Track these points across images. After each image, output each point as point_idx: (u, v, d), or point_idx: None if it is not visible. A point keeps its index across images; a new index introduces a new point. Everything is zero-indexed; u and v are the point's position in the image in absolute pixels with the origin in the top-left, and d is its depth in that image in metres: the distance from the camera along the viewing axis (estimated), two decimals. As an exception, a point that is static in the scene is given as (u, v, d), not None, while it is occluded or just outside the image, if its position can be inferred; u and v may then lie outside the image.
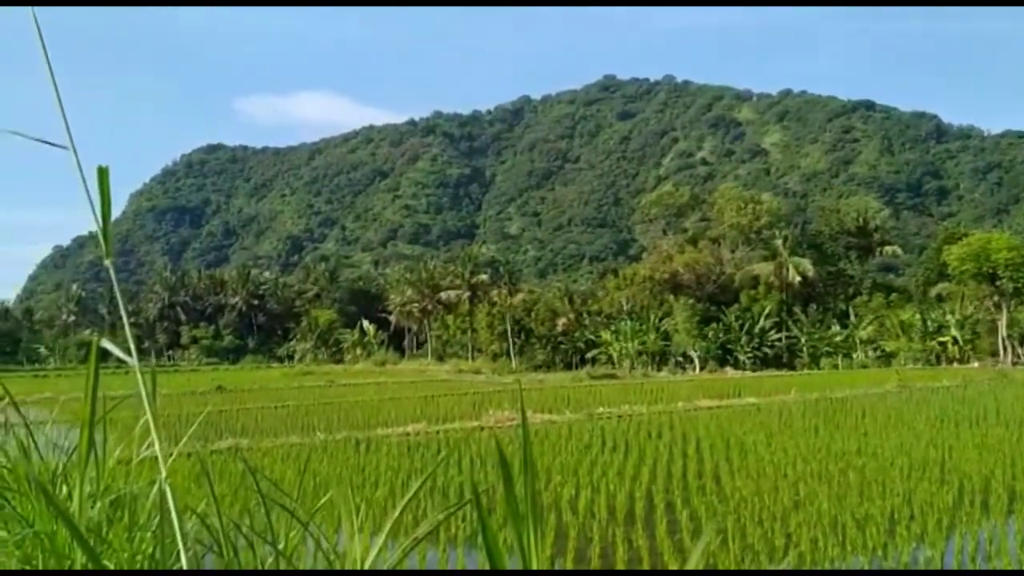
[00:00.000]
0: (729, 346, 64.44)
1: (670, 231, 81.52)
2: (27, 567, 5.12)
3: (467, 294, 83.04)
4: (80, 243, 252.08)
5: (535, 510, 1.80)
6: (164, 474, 1.93)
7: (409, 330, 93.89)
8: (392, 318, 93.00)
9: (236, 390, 44.07)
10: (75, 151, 1.90)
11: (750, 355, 63.74)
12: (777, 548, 10.43)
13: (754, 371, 59.43)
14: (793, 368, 62.05)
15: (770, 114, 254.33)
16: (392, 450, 19.14)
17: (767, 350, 64.80)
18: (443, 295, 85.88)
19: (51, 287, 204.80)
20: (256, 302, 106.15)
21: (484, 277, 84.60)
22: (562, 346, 71.29)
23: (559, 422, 24.21)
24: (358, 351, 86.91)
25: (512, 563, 1.82)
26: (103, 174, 1.84)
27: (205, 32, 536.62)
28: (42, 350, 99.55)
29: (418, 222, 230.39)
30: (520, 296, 79.05)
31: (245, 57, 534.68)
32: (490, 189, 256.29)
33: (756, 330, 64.84)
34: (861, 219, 76.97)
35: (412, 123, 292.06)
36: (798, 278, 67.81)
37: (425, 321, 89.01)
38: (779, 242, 70.36)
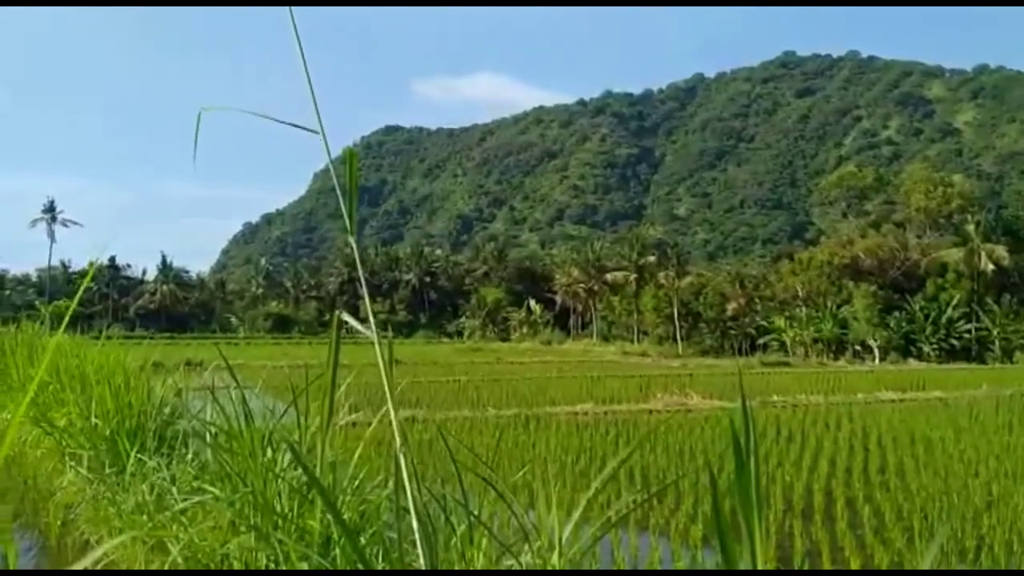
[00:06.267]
0: (913, 336, 61.18)
1: (851, 214, 78.17)
2: (237, 521, 5.51)
3: (634, 276, 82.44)
4: (268, 219, 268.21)
5: (760, 500, 1.78)
6: (399, 441, 2.03)
7: (574, 310, 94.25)
8: (558, 298, 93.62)
9: (410, 363, 45.53)
10: (324, 136, 2.00)
11: (935, 347, 60.28)
12: (968, 549, 9.86)
13: (940, 363, 56.22)
14: (983, 362, 58.22)
15: (963, 91, 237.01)
16: (561, 428, 19.35)
17: (954, 342, 61.02)
18: (609, 276, 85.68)
19: (241, 261, 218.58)
20: (428, 279, 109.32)
21: (651, 259, 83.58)
22: (731, 331, 69.71)
23: (730, 409, 23.72)
24: (524, 329, 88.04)
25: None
26: (352, 156, 1.94)
27: (386, 15, 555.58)
28: (233, 320, 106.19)
29: (585, 203, 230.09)
30: (688, 279, 77.75)
31: (423, 38, 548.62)
32: (659, 170, 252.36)
33: (943, 320, 61.16)
34: (1065, 203, 71.04)
35: (582, 103, 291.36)
36: (991, 266, 63.45)
37: (590, 302, 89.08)
38: (971, 227, 65.93)
